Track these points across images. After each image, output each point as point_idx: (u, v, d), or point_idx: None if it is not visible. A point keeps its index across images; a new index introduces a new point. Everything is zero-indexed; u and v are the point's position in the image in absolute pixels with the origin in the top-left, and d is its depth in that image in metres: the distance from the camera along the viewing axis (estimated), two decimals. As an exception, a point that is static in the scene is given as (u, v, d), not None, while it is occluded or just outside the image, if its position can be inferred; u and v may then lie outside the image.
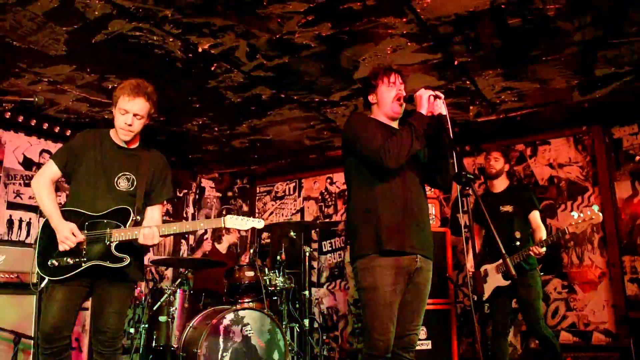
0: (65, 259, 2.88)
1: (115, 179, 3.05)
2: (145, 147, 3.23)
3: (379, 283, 2.79)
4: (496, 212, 4.47)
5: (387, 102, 3.02)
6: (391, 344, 2.79)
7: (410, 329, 2.91)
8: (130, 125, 3.01)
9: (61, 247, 2.86)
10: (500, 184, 4.66)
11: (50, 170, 3.05)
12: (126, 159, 3.11)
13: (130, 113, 2.99)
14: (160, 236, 2.97)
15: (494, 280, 4.42)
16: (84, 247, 2.91)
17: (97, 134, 3.17)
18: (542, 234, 4.44)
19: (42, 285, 2.91)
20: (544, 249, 4.20)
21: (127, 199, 3.04)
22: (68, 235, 2.85)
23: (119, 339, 3.03)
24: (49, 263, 2.88)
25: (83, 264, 2.88)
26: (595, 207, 4.10)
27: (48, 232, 2.93)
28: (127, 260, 2.94)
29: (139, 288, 5.03)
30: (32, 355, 4.34)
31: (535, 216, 4.53)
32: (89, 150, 3.07)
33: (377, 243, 2.81)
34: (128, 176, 3.08)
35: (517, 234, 4.42)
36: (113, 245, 2.93)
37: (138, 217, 3.01)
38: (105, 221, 2.96)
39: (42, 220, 3.01)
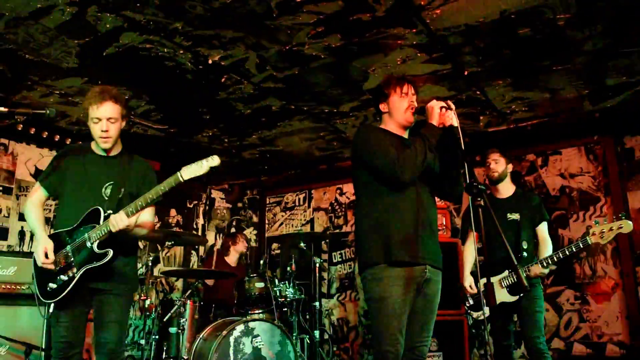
0: (60, 277, 2.94)
1: (103, 190, 3.06)
2: (127, 153, 3.23)
3: (388, 293, 2.76)
4: (502, 219, 4.08)
5: (399, 111, 3.00)
6: (400, 355, 2.76)
7: (419, 341, 2.89)
8: (106, 131, 2.99)
9: (38, 262, 2.93)
10: (506, 189, 4.24)
11: (38, 194, 3.12)
12: (110, 167, 3.11)
13: (103, 119, 2.97)
14: (130, 216, 2.88)
15: (499, 295, 4.05)
16: (72, 259, 2.94)
17: (79, 148, 3.20)
18: (547, 248, 4.06)
19: (51, 310, 3.03)
20: (547, 270, 3.92)
21: (112, 206, 3.03)
22: (40, 253, 2.91)
23: (121, 351, 3.04)
24: (48, 288, 2.94)
25: (76, 275, 2.91)
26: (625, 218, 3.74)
27: None
28: (110, 253, 2.90)
29: (149, 299, 5.04)
30: (42, 366, 4.35)
31: (543, 229, 4.17)
32: (73, 166, 3.09)
33: (386, 253, 2.78)
34: (113, 184, 3.07)
35: (525, 244, 4.07)
36: (95, 245, 2.91)
37: (110, 212, 2.95)
38: (82, 228, 2.97)
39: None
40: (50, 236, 3.02)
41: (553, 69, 4.35)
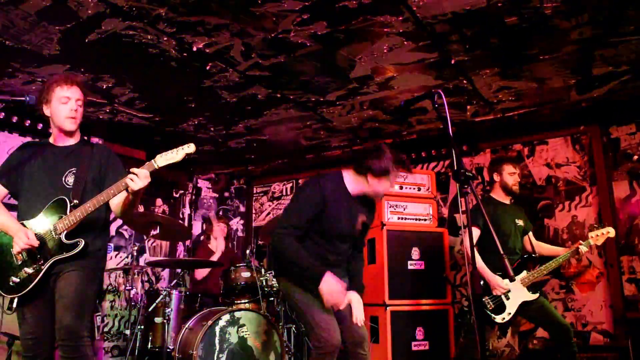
0: (23, 271, 2.86)
1: (63, 178, 3.01)
2: (86, 143, 3.23)
3: (309, 291, 3.11)
4: (512, 223, 4.41)
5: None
6: (339, 335, 3.05)
7: (354, 326, 3.20)
8: (75, 111, 3.03)
9: (15, 249, 2.84)
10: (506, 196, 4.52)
11: None
12: (69, 156, 3.09)
13: (72, 99, 3.02)
14: (111, 197, 2.86)
15: (520, 295, 4.20)
16: (36, 251, 2.87)
17: (36, 144, 3.23)
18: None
19: (14, 305, 2.90)
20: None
21: (77, 194, 2.99)
22: (22, 236, 2.82)
23: (80, 329, 2.81)
24: (10, 283, 2.86)
25: (43, 267, 2.85)
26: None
27: None
28: (81, 243, 2.88)
29: (134, 289, 5.00)
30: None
31: (532, 235, 4.62)
32: (29, 161, 3.06)
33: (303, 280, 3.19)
34: (74, 171, 3.03)
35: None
36: (63, 235, 2.87)
37: (76, 201, 2.93)
38: (46, 219, 2.93)
39: None
40: None
41: (540, 58, 4.35)
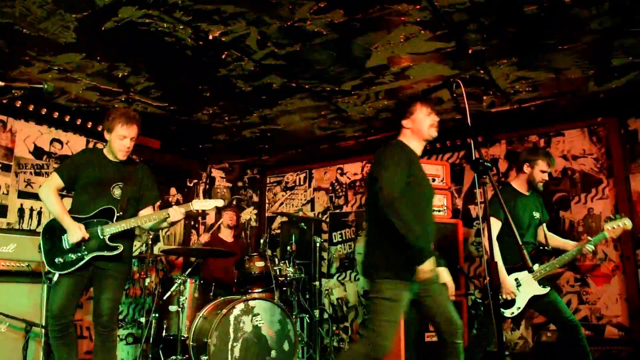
0: (69, 255, 3.59)
1: (111, 189, 3.76)
2: (131, 161, 3.98)
3: (400, 300, 3.12)
4: (530, 216, 4.35)
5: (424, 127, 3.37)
6: (389, 349, 3.13)
7: (450, 316, 3.20)
8: (129, 147, 3.77)
9: (72, 240, 3.55)
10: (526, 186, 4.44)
11: (55, 182, 3.74)
12: (118, 171, 3.83)
13: (128, 137, 3.73)
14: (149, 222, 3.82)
15: (530, 289, 4.17)
16: (83, 243, 3.60)
17: (94, 152, 3.99)
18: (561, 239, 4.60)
19: (55, 278, 3.64)
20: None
21: (122, 206, 3.77)
22: (77, 231, 3.55)
23: (114, 321, 3.72)
24: (56, 261, 3.58)
25: (85, 257, 3.60)
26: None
27: (49, 236, 3.64)
28: (121, 248, 3.66)
29: (149, 278, 5.04)
30: (42, 343, 4.35)
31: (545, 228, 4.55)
32: (88, 166, 3.78)
33: (407, 273, 3.11)
34: (120, 185, 3.79)
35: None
36: (107, 237, 3.63)
37: (120, 213, 3.70)
38: (95, 220, 3.66)
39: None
40: None
41: (558, 48, 4.29)
